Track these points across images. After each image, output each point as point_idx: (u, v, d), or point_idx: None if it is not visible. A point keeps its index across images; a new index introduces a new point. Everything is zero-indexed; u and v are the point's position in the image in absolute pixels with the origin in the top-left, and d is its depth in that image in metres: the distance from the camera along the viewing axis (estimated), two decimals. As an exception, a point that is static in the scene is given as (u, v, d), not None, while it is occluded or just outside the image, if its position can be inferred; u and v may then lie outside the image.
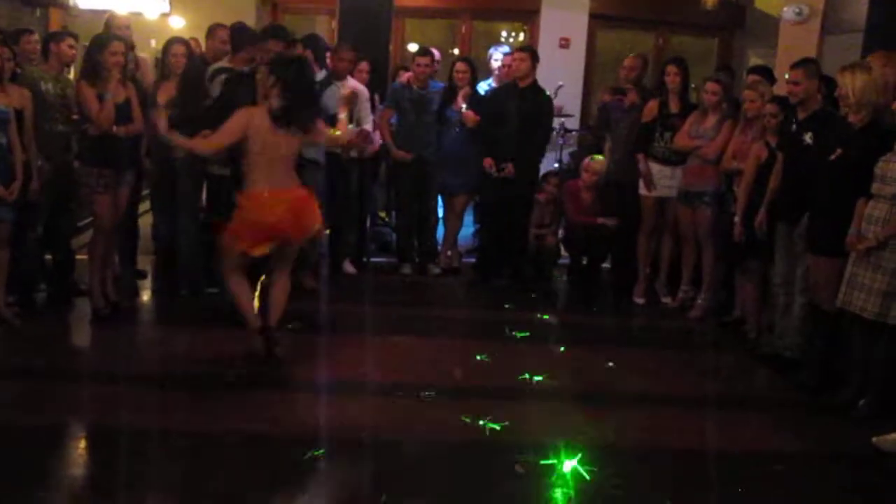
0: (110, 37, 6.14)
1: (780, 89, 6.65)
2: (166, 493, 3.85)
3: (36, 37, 6.56)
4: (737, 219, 6.18)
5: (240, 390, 4.98)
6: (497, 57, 8.24)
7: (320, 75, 7.02)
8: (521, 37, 11.89)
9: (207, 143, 5.37)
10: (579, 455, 4.25)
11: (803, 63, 5.75)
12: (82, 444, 4.40)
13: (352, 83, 7.33)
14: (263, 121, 5.18)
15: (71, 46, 6.30)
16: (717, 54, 11.53)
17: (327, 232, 7.26)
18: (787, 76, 5.86)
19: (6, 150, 5.53)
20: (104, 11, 8.71)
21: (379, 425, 4.55)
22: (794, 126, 5.74)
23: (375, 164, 8.05)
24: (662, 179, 7.13)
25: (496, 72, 8.22)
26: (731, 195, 6.43)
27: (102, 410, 4.60)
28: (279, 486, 3.97)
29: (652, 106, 7.20)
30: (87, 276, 6.28)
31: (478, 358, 5.70)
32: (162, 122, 5.40)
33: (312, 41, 7.13)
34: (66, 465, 4.11)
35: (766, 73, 6.89)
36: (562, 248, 7.94)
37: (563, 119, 9.54)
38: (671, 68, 7.18)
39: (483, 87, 8.15)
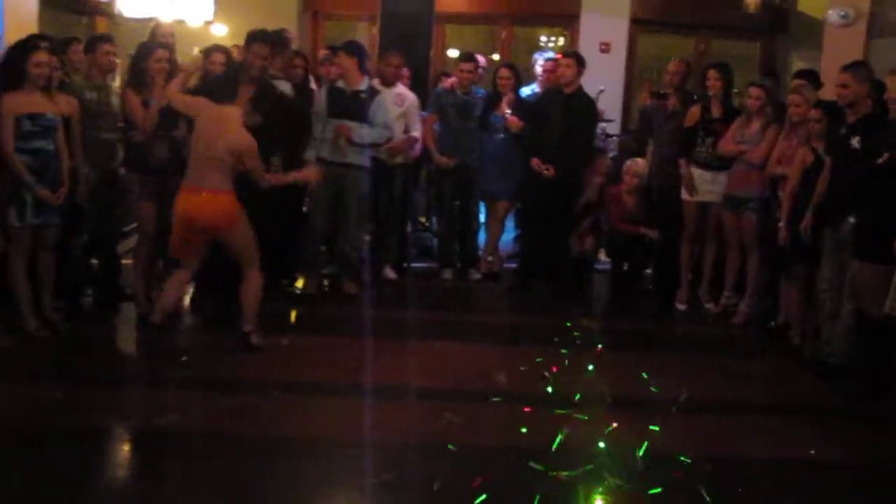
0: (154, 44, 6.22)
1: (826, 93, 6.57)
2: (217, 497, 3.88)
3: (82, 46, 6.66)
4: (781, 224, 6.12)
5: (287, 394, 5.01)
6: (542, 62, 8.22)
7: (364, 83, 7.04)
8: (561, 42, 11.86)
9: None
10: (622, 461, 4.23)
11: (853, 66, 5.68)
12: (128, 446, 4.45)
13: (401, 89, 7.36)
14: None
15: (107, 53, 6.25)
16: (760, 58, 11.42)
17: (368, 237, 7.31)
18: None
19: (53, 157, 5.62)
20: (149, 19, 8.83)
21: (426, 430, 4.57)
22: (842, 130, 5.67)
23: (417, 169, 8.07)
24: (704, 184, 7.07)
25: (540, 77, 8.20)
26: (775, 200, 6.37)
27: (148, 413, 4.65)
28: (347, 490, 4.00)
29: (694, 111, 7.15)
30: (132, 281, 6.36)
31: (517, 363, 5.68)
32: None
33: (356, 48, 7.15)
34: (112, 468, 4.16)
35: (812, 77, 6.83)
36: (602, 254, 7.91)
37: (604, 124, 9.50)
38: (712, 73, 7.13)
39: (526, 91, 8.14)
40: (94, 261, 6.57)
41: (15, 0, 7.55)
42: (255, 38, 6.26)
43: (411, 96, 7.43)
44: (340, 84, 7.02)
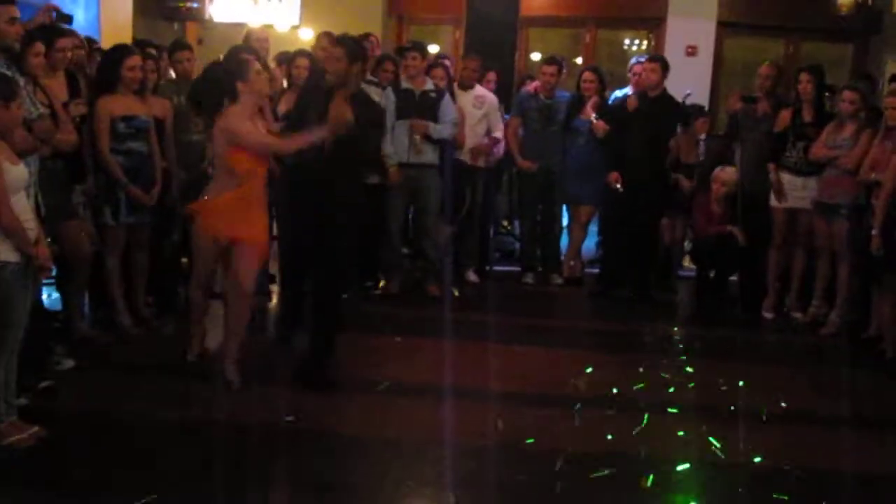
0: (241, 48, 6.32)
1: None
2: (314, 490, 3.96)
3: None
4: (875, 231, 5.95)
5: (369, 395, 5.07)
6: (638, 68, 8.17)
7: (429, 83, 7.14)
8: (646, 45, 11.73)
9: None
10: (708, 472, 4.17)
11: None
12: (218, 439, 4.52)
13: (480, 91, 7.39)
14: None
15: (181, 60, 6.49)
16: (852, 61, 11.12)
17: (451, 239, 7.34)
18: None
19: (146, 158, 5.79)
20: (239, 24, 9.02)
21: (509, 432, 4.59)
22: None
23: (499, 172, 8.08)
24: (794, 190, 6.93)
25: (634, 81, 8.13)
26: (869, 208, 6.20)
27: (237, 409, 4.74)
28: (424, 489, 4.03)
29: (785, 115, 7.01)
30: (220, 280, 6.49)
31: (597, 370, 5.64)
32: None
33: (422, 48, 7.24)
34: (210, 461, 4.21)
35: (909, 81, 6.63)
36: (687, 260, 7.81)
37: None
38: (804, 76, 6.98)
39: (618, 95, 8.10)
40: (185, 260, 6.73)
41: (111, 8, 7.79)
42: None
43: (491, 97, 7.45)
44: (407, 85, 7.07)
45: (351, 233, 5.21)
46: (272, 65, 7.25)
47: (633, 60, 8.40)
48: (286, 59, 7.11)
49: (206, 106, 5.26)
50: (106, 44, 6.80)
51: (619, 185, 7.28)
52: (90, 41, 6.50)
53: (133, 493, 3.71)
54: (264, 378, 5.15)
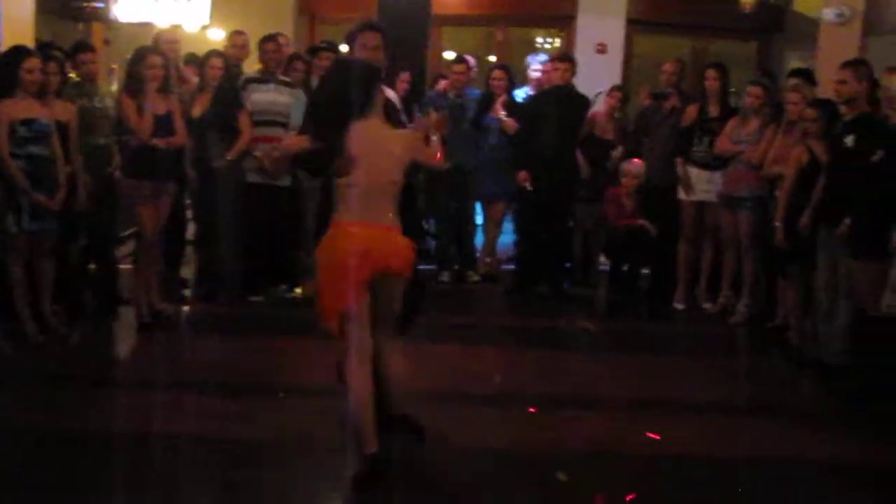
0: (148, 50, 6.23)
1: (821, 93, 6.58)
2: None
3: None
4: (778, 224, 6.12)
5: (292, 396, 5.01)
6: (535, 66, 8.23)
7: None
8: (558, 43, 11.86)
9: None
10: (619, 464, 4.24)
11: (854, 63, 5.69)
12: (125, 449, 4.44)
13: (388, 93, 7.35)
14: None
15: (84, 62, 6.32)
16: (756, 58, 11.41)
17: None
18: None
19: (50, 162, 5.64)
20: (145, 24, 8.85)
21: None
22: (837, 129, 5.68)
23: (412, 172, 8.05)
24: (701, 184, 7.09)
25: (533, 80, 8.21)
26: (772, 200, 6.37)
27: (145, 417, 4.64)
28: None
29: (691, 110, 7.17)
30: (130, 286, 6.37)
31: (516, 366, 5.69)
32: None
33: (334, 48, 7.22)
34: (107, 470, 4.14)
35: (807, 76, 6.83)
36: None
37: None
38: (711, 72, 7.15)
39: (520, 94, 8.14)
40: (93, 266, 6.58)
41: (12, 8, 7.56)
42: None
43: (393, 96, 7.41)
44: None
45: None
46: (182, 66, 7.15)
47: (528, 59, 8.48)
48: (194, 60, 7.00)
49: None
50: (7, 44, 6.59)
51: (527, 185, 7.34)
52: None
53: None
54: (169, 386, 5.07)
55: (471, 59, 8.19)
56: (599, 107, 8.12)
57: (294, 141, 4.58)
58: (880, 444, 4.76)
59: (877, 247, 5.01)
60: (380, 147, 4.02)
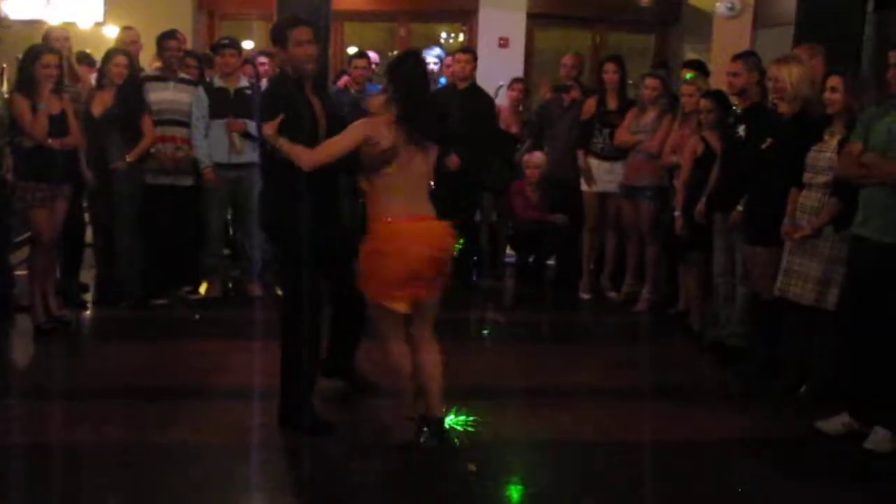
0: (42, 48, 6.05)
1: (714, 83, 6.76)
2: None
3: None
4: (676, 212, 6.27)
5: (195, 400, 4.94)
6: (430, 60, 8.25)
7: (244, 80, 7.04)
8: (461, 37, 11.90)
9: (315, 156, 4.26)
10: (531, 451, 4.30)
11: (744, 55, 5.86)
12: (27, 462, 4.31)
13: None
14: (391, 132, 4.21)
15: None
16: (654, 50, 11.65)
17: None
18: None
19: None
20: (36, 22, 8.59)
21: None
22: (730, 119, 5.85)
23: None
24: (602, 175, 7.22)
25: (430, 74, 8.22)
26: (671, 189, 6.52)
27: (44, 427, 4.52)
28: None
29: (590, 103, 7.29)
30: (27, 291, 6.18)
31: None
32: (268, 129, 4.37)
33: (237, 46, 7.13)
34: (8, 485, 4.03)
35: (700, 68, 7.01)
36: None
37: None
38: (609, 66, 7.27)
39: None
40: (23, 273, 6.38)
41: None
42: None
43: None
44: (220, 83, 6.93)
45: None
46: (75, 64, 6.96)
47: (423, 53, 8.47)
48: (86, 58, 6.82)
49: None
50: None
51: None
52: None
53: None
54: (69, 393, 4.95)
55: (372, 54, 8.18)
56: (502, 100, 8.21)
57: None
58: (778, 419, 4.94)
59: (768, 232, 5.16)
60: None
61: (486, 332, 6.68)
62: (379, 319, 4.30)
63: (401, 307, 4.15)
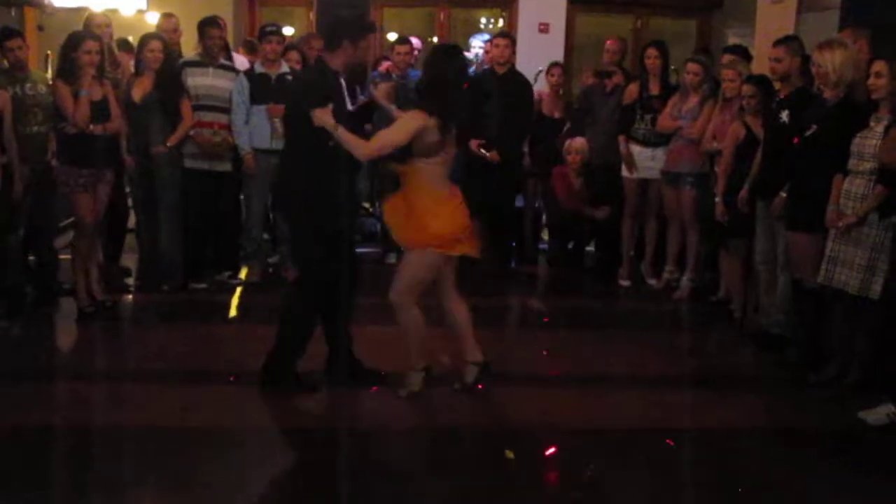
0: (84, 35, 6.10)
1: (757, 69, 6.66)
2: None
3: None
4: (717, 199, 6.20)
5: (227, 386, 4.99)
6: (477, 45, 8.23)
7: (285, 66, 7.06)
8: (500, 23, 11.86)
9: (371, 147, 4.58)
10: (569, 439, 4.28)
11: (786, 40, 5.76)
12: (70, 443, 4.38)
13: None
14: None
15: (11, 49, 6.06)
16: (696, 35, 11.52)
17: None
18: None
19: (-17, 153, 5.52)
20: (80, 9, 8.67)
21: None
22: (773, 104, 5.77)
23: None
24: (644, 161, 7.15)
25: (477, 60, 8.21)
26: (713, 175, 6.45)
27: (86, 409, 4.59)
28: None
29: (632, 89, 7.22)
30: (71, 276, 6.26)
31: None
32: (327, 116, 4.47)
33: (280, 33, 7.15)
34: (53, 465, 4.09)
35: (742, 53, 6.91)
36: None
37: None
38: (651, 51, 7.19)
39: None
40: (32, 257, 6.47)
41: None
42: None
43: None
44: (262, 69, 6.95)
45: None
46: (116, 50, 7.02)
47: (471, 39, 8.47)
48: (127, 46, 6.87)
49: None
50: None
51: (484, 151, 7.19)
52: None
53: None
54: (112, 376, 5.02)
55: (415, 40, 8.16)
56: (541, 86, 8.17)
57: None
58: (820, 409, 4.87)
59: (812, 219, 5.09)
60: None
61: (541, 318, 6.64)
62: (414, 278, 4.70)
63: (464, 250, 4.69)
